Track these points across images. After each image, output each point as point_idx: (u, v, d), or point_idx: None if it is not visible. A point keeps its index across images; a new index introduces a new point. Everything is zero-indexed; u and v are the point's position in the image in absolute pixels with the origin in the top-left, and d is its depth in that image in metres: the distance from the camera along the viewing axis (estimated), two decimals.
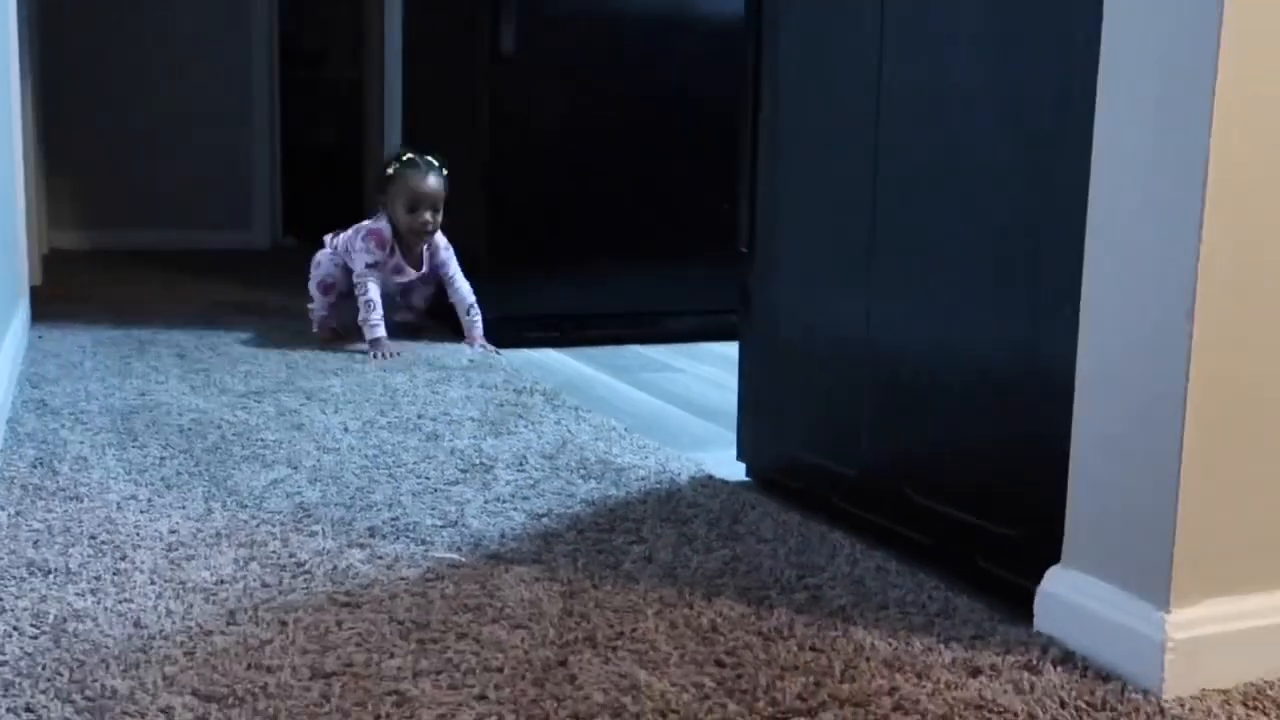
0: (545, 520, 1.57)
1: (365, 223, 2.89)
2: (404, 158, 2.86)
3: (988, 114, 1.36)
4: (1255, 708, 1.09)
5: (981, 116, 1.36)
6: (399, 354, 2.70)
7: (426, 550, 1.45)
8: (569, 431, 2.07)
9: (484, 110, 2.95)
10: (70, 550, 1.41)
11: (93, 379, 2.40)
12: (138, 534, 1.48)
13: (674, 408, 2.39)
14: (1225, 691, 1.12)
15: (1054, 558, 1.26)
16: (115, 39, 4.99)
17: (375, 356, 2.68)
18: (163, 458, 1.83)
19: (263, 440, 1.95)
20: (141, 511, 1.57)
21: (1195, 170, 1.08)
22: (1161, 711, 1.08)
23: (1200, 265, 1.08)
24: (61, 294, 3.57)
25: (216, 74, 5.18)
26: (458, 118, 3.15)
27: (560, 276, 3.03)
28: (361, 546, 1.46)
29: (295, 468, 1.79)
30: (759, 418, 1.81)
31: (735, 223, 1.85)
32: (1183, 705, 1.09)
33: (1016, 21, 1.31)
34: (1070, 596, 1.22)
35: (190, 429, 2.01)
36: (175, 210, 5.14)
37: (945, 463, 1.44)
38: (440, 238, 2.88)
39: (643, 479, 1.79)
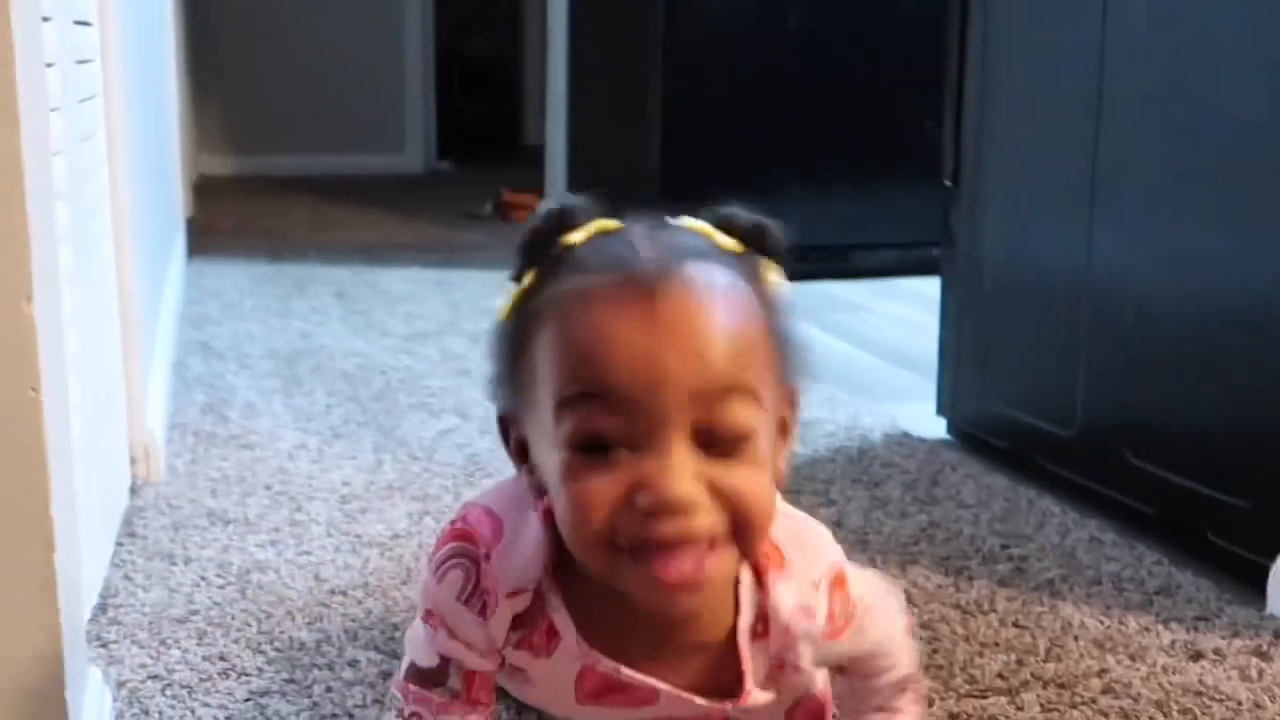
0: None
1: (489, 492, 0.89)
2: (564, 232, 0.76)
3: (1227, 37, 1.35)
4: None
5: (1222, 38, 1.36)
6: None
7: None
8: None
9: (657, 22, 3.01)
10: (247, 500, 1.57)
11: (253, 320, 2.60)
12: (311, 485, 1.63)
13: (867, 354, 2.44)
14: None
15: None
16: None
17: None
18: (329, 405, 1.99)
19: (428, 388, 2.09)
20: (313, 461, 1.72)
21: None
22: None
23: None
24: (215, 225, 3.83)
25: None
26: (626, 31, 3.22)
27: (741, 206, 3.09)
28: None
29: (464, 417, 1.92)
30: (962, 368, 1.85)
31: (939, 148, 1.88)
32: None
33: None
34: None
35: (355, 374, 2.17)
36: (325, 133, 5.40)
37: (1173, 423, 1.46)
38: (826, 598, 0.79)
39: (831, 434, 1.85)
